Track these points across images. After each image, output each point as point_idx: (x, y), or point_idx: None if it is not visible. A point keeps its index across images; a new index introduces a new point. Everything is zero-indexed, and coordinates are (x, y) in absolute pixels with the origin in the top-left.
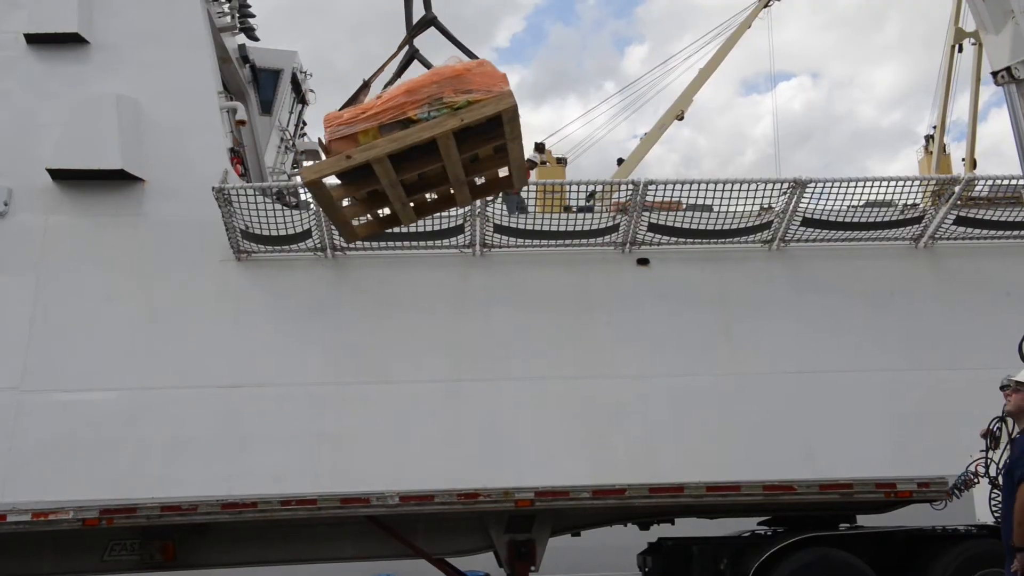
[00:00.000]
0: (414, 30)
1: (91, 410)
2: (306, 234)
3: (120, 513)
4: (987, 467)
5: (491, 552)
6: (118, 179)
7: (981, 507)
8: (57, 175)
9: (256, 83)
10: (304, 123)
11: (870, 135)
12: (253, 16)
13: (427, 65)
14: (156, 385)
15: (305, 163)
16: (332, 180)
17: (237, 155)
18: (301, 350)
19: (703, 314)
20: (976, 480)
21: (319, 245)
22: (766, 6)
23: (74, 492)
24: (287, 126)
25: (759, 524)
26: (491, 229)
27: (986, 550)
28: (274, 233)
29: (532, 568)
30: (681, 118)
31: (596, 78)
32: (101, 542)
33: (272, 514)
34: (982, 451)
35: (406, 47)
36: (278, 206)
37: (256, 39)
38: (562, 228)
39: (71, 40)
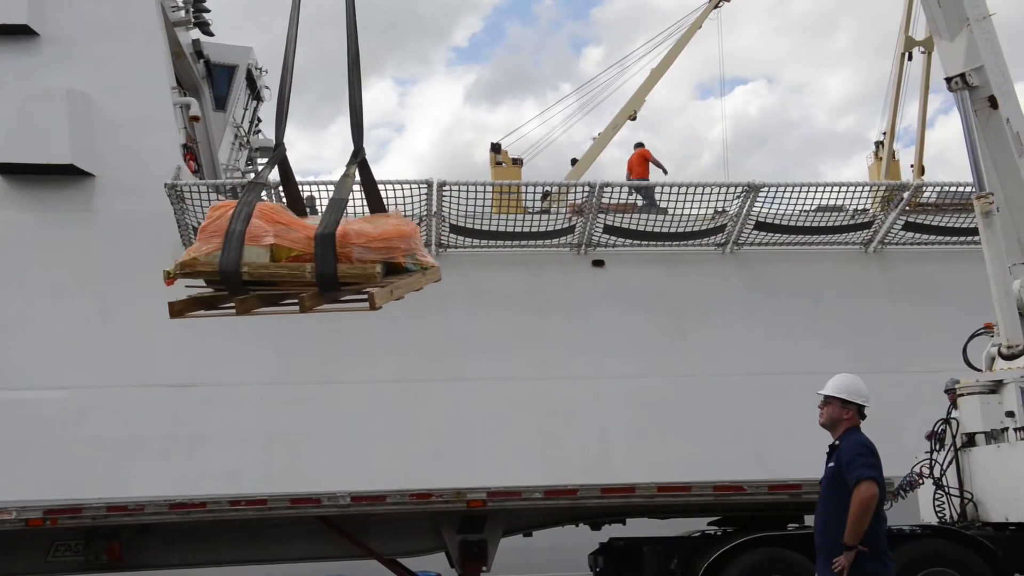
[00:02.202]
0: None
1: (38, 409)
2: None
3: (64, 513)
4: (931, 469)
5: (443, 552)
6: (68, 174)
7: (925, 508)
8: (5, 169)
9: (210, 79)
10: (259, 120)
11: (823, 140)
12: (208, 11)
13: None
14: (106, 384)
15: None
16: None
17: (190, 151)
18: (254, 350)
19: (658, 316)
20: (921, 481)
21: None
22: (716, 7)
23: (20, 492)
24: (241, 122)
25: (709, 524)
26: (447, 229)
27: (931, 549)
28: None
29: (484, 568)
30: (634, 118)
31: (553, 79)
32: (45, 543)
33: (221, 514)
34: (927, 453)
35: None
36: None
37: (211, 34)
38: (518, 229)
39: (21, 32)
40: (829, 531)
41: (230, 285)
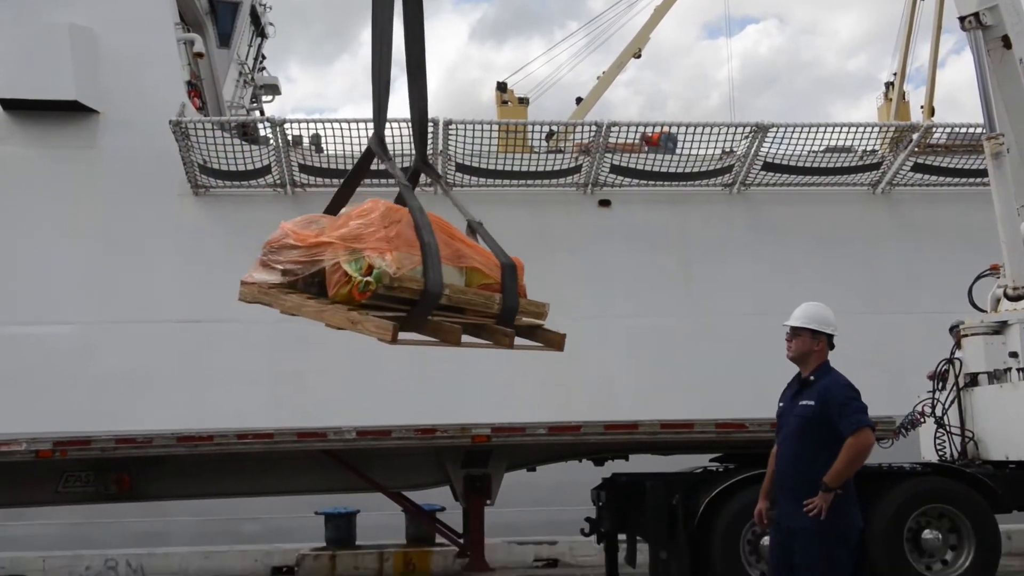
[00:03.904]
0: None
1: (46, 344)
2: (265, 170)
3: (74, 445)
4: (933, 408)
5: (448, 486)
6: (72, 111)
7: (926, 446)
8: (9, 105)
9: (214, 15)
10: (263, 57)
11: (833, 81)
12: None
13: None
14: (113, 319)
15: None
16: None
17: (195, 88)
18: None
19: (663, 256)
20: (922, 420)
21: (278, 181)
22: None
23: (29, 425)
24: (246, 59)
25: (711, 461)
26: (453, 168)
27: (930, 487)
28: (232, 168)
29: (488, 502)
30: (638, 56)
31: (560, 16)
32: (55, 474)
33: (228, 448)
34: (929, 392)
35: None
36: (237, 141)
37: None
38: (524, 168)
39: None
40: (803, 470)
41: (424, 309)
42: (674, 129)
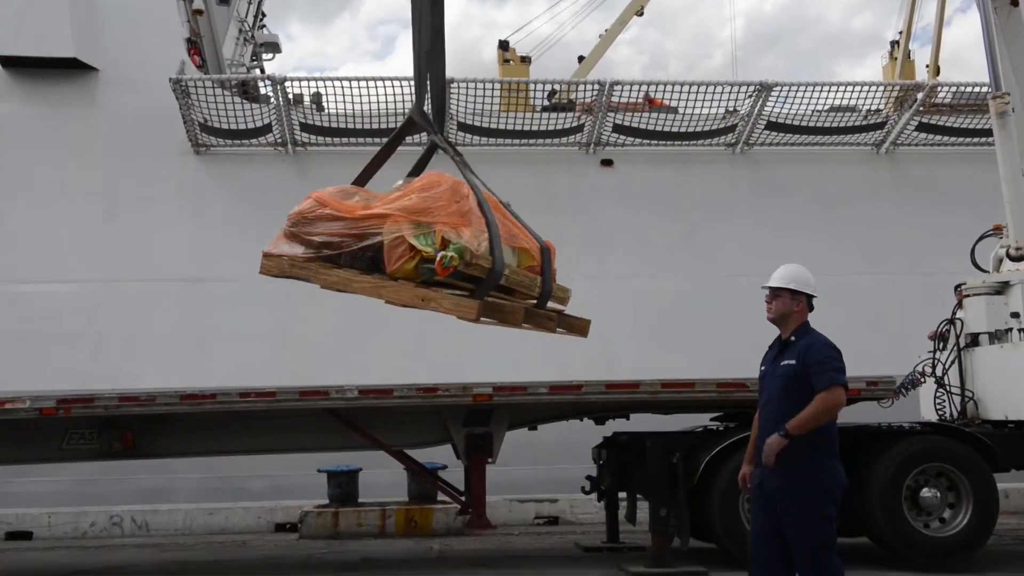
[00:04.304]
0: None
1: (48, 303)
2: (266, 128)
3: (77, 403)
4: (934, 368)
5: (449, 444)
6: (71, 68)
7: (926, 406)
8: (8, 63)
9: None
10: (263, 14)
11: (838, 40)
12: None
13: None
14: (115, 279)
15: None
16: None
17: (194, 46)
18: (262, 246)
19: (665, 216)
20: (923, 380)
21: (279, 140)
22: None
23: (33, 383)
24: (245, 17)
25: (712, 420)
26: (454, 127)
27: (929, 445)
28: (233, 127)
29: (489, 460)
30: (641, 14)
31: None
32: (59, 432)
33: (231, 406)
34: (930, 352)
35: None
36: (237, 99)
37: None
38: (526, 127)
39: None
40: (780, 412)
41: (486, 288)
42: (677, 88)
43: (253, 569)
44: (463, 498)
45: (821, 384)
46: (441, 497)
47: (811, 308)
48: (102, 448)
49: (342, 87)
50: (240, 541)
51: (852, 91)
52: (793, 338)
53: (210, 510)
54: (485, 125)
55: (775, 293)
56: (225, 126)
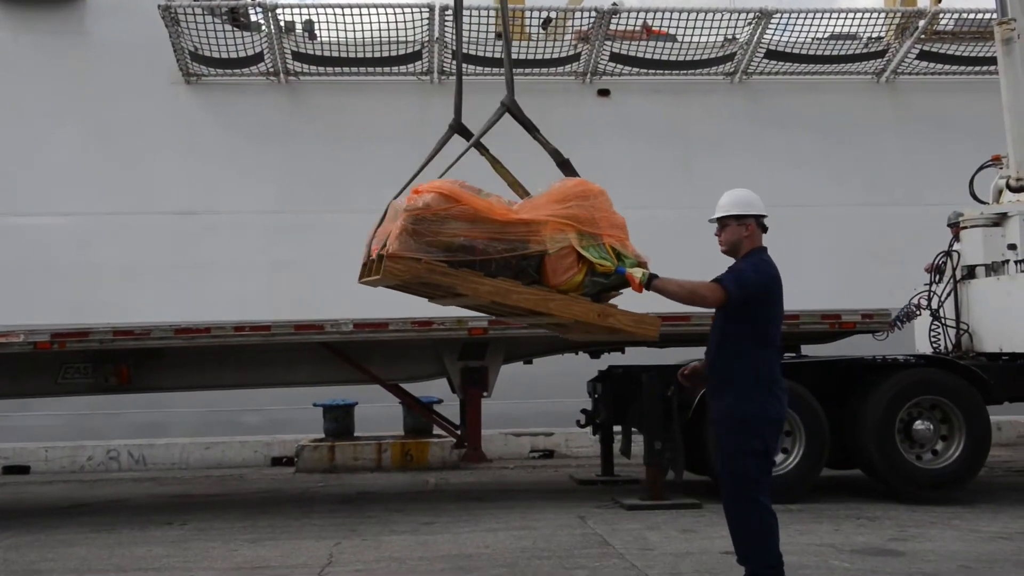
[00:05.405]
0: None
1: (44, 236)
2: (258, 57)
3: (72, 337)
4: (929, 300)
5: (445, 378)
6: None
7: (921, 338)
8: None
9: None
10: None
11: None
12: None
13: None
14: (108, 210)
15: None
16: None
17: None
18: (256, 177)
19: (663, 147)
20: (918, 312)
21: (272, 69)
22: None
23: (27, 317)
24: None
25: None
26: (449, 56)
27: (923, 378)
28: (224, 55)
29: (484, 394)
30: None
31: None
32: (54, 366)
33: (226, 340)
34: (926, 285)
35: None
36: (228, 27)
37: None
38: (522, 56)
39: None
40: (717, 359)
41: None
42: (675, 15)
43: (250, 502)
44: (459, 432)
45: (717, 277)
46: (437, 431)
47: (764, 229)
48: (97, 382)
49: (334, 14)
50: (237, 475)
51: (853, 18)
52: (740, 265)
53: (206, 444)
54: (479, 54)
55: (722, 224)
56: (216, 55)
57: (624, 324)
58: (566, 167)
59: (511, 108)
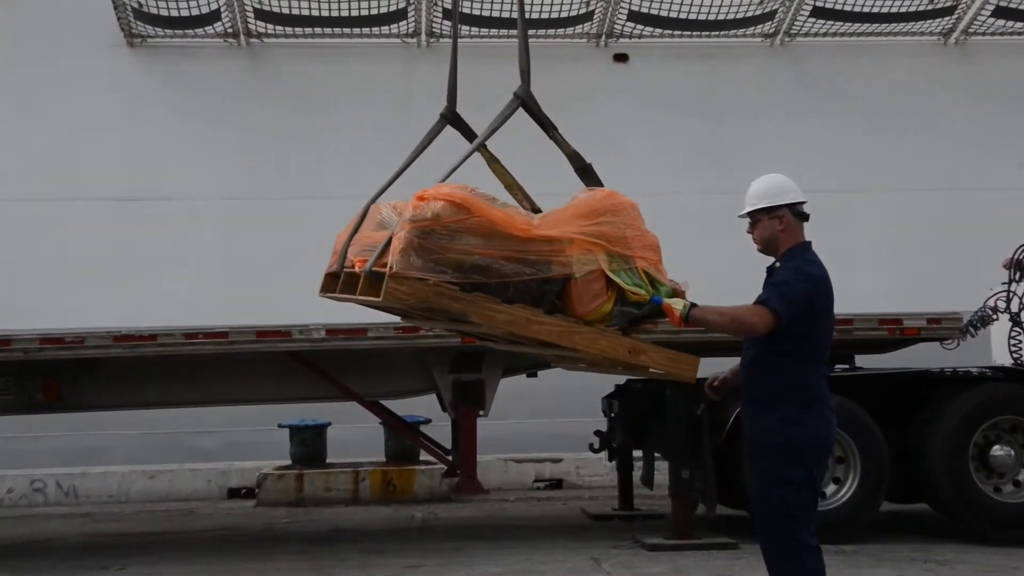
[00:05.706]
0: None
1: None
2: (214, 15)
3: None
4: (1008, 302)
5: (434, 395)
6: None
7: (999, 347)
8: None
9: None
10: None
11: None
12: None
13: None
14: (37, 196)
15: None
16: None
17: None
18: (210, 157)
19: (690, 121)
20: (995, 316)
21: (230, 29)
22: None
23: None
24: None
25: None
26: (440, 15)
27: (1002, 395)
28: (174, 13)
29: (481, 412)
30: None
31: None
32: None
33: (175, 349)
34: (1005, 283)
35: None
36: None
37: None
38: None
39: None
40: (756, 374)
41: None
42: None
43: (202, 542)
44: (450, 458)
45: (758, 298)
46: (424, 456)
47: (802, 218)
48: (20, 400)
49: None
50: (187, 510)
51: None
52: (778, 264)
53: (151, 473)
54: (478, 13)
55: (753, 219)
56: (164, 12)
57: (657, 363)
58: (587, 174)
59: (527, 101)
